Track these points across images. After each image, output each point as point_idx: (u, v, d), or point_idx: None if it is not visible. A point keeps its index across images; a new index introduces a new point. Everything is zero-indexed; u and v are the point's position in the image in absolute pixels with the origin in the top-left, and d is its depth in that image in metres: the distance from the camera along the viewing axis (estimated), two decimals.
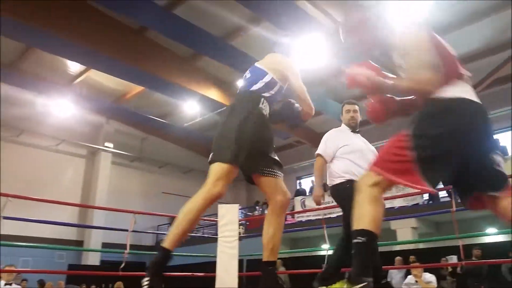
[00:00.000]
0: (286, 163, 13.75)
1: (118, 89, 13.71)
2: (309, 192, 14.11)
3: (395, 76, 1.95)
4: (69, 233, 14.47)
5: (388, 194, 3.17)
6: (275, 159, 2.40)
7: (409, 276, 6.39)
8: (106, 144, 16.19)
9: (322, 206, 3.74)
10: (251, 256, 6.44)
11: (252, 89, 2.49)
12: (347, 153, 3.51)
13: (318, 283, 3.34)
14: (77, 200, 14.95)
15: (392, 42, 1.91)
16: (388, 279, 9.05)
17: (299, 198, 13.65)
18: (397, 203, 10.89)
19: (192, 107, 13.13)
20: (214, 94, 12.40)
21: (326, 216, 8.34)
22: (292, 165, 16.02)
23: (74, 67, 12.26)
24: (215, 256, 4.81)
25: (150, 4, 8.73)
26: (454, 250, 4.83)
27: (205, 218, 10.43)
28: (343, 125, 3.77)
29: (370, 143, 3.75)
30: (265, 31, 9.59)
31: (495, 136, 1.86)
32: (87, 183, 15.93)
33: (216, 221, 5.17)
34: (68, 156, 15.66)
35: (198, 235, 14.23)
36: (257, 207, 15.81)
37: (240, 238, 5.02)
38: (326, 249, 5.09)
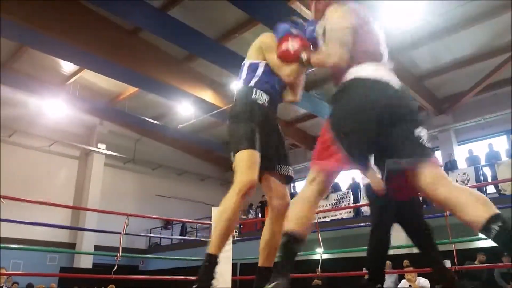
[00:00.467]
0: None
1: (112, 90, 13.64)
2: None
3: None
4: (61, 235, 14.33)
5: None
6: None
7: (403, 281, 6.38)
8: (99, 145, 16.09)
9: (316, 210, 3.68)
10: (245, 260, 6.40)
11: (243, 85, 2.41)
12: None
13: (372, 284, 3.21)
14: (69, 202, 14.81)
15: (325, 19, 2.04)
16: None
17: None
18: None
19: (186, 108, 13.09)
20: (208, 96, 12.36)
21: (320, 220, 8.31)
22: None
23: (67, 67, 12.18)
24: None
25: (144, 5, 8.69)
26: (448, 254, 4.83)
27: (198, 221, 10.44)
28: None
29: None
30: (259, 33, 9.56)
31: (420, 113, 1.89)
32: (79, 185, 15.82)
33: (210, 224, 5.13)
34: (61, 157, 15.55)
35: (191, 238, 14.18)
36: (250, 211, 15.76)
37: (234, 242, 4.98)
38: (320, 253, 5.06)
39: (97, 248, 13.92)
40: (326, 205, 12.49)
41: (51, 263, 13.51)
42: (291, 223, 1.77)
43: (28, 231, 11.95)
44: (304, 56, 2.07)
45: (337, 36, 1.87)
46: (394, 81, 1.82)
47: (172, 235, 16.68)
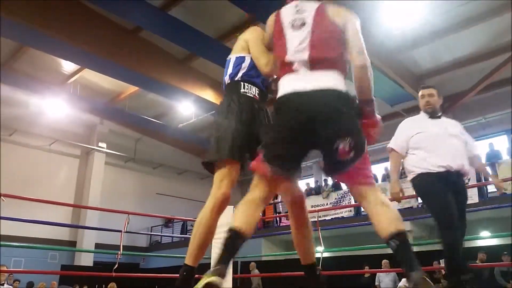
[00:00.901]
0: None
1: (113, 89, 13.65)
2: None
3: None
4: (62, 234, 14.36)
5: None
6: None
7: (403, 279, 6.40)
8: (100, 144, 16.11)
9: (317, 208, 3.68)
10: (245, 258, 6.43)
11: (230, 79, 2.35)
12: (422, 141, 3.29)
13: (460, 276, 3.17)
14: (70, 200, 14.84)
15: None
16: (377, 283, 9.09)
17: None
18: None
19: (187, 108, 13.10)
20: (209, 95, 12.37)
21: (320, 219, 8.33)
22: None
23: (67, 66, 12.19)
24: (209, 258, 4.78)
25: (145, 4, 8.71)
26: None
27: None
28: (421, 112, 3.58)
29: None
30: None
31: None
32: (80, 183, 15.84)
33: None
34: (62, 156, 15.57)
35: None
36: None
37: None
38: (320, 252, 5.07)
39: (97, 246, 13.97)
40: (327, 204, 12.52)
41: (52, 261, 13.54)
42: (238, 221, 1.82)
43: (29, 229, 11.94)
44: None
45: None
46: (304, 87, 1.84)
47: (172, 233, 16.73)
